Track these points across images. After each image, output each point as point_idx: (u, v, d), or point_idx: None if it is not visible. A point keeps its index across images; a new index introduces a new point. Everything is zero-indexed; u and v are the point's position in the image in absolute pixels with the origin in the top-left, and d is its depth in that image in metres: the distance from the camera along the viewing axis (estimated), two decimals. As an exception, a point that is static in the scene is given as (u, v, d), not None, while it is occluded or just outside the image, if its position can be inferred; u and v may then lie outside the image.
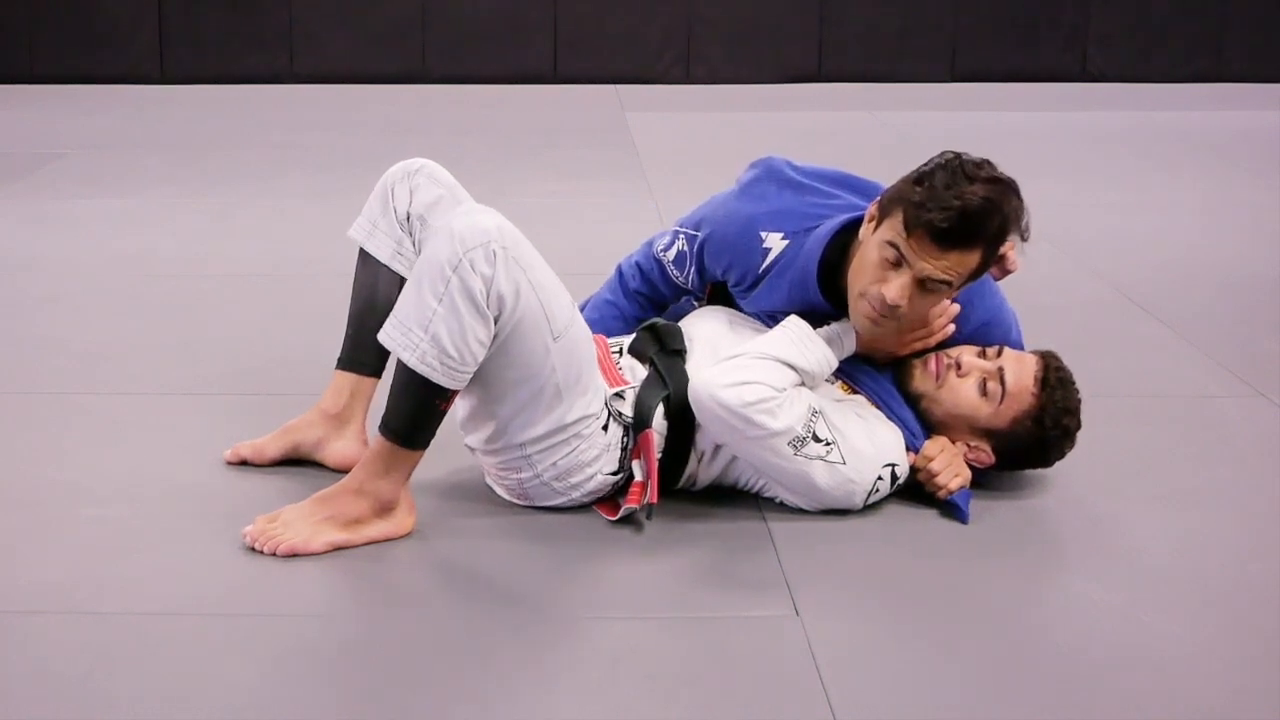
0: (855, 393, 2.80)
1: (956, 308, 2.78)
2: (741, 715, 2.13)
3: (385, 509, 2.64)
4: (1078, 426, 2.79)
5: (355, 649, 2.32)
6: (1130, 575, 2.58)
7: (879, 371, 2.82)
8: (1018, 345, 2.87)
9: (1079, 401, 2.78)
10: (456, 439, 2.79)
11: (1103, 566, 2.62)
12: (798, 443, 2.63)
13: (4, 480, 2.92)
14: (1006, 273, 2.83)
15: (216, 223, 5.17)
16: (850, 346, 2.77)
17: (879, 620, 2.41)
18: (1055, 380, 2.75)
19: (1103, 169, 6.33)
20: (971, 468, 2.79)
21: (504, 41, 8.54)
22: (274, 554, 2.56)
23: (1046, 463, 2.84)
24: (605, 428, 2.69)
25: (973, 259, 2.59)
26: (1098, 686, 2.21)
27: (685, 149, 6.72)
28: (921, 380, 2.79)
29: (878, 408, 2.77)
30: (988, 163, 2.62)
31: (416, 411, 2.57)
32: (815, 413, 2.65)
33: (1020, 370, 2.76)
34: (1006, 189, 2.59)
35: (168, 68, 8.45)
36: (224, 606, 2.43)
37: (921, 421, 2.79)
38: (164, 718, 2.11)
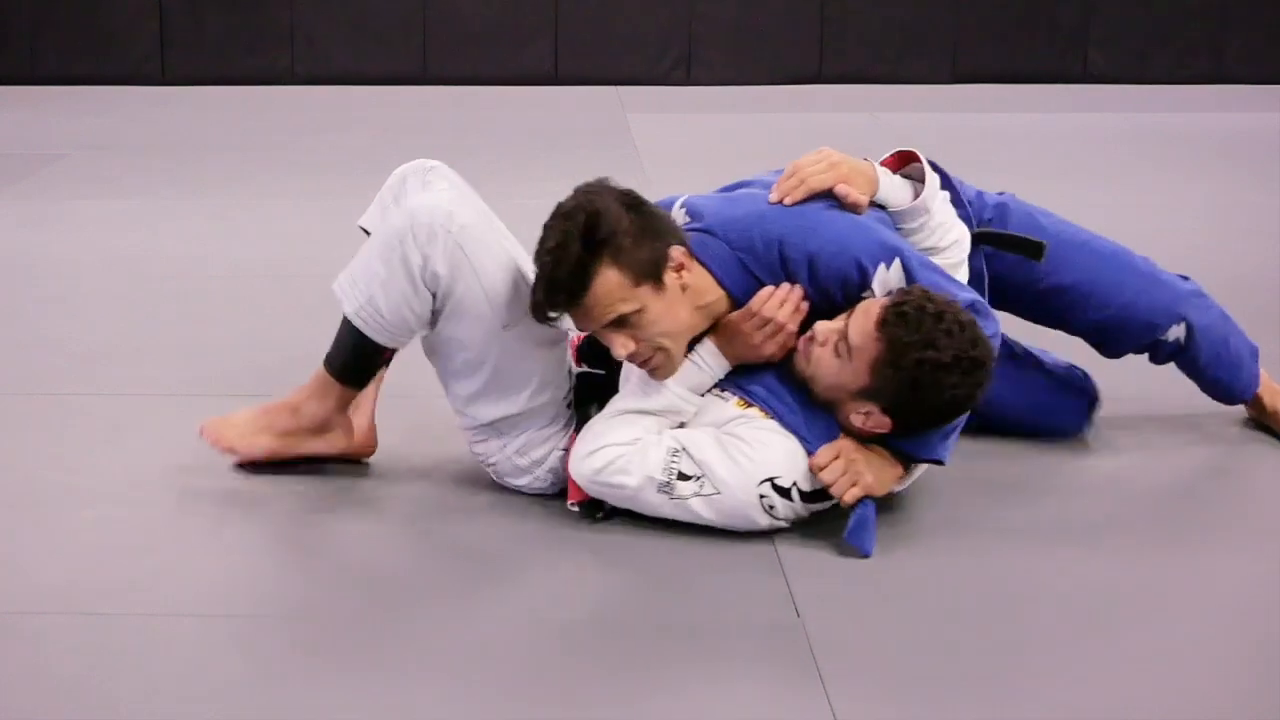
0: (750, 405, 2.67)
1: (781, 288, 2.65)
2: (742, 715, 2.13)
3: (319, 428, 2.87)
4: (953, 359, 2.50)
5: (355, 649, 2.32)
6: (1130, 575, 2.58)
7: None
8: (877, 252, 2.66)
9: (941, 332, 2.50)
10: (464, 446, 2.79)
11: (1102, 567, 2.62)
12: (666, 488, 2.60)
13: (4, 480, 2.92)
14: (855, 206, 2.71)
15: (217, 223, 5.17)
16: (717, 365, 2.69)
17: (879, 620, 2.41)
18: (893, 318, 2.52)
19: (1103, 169, 6.33)
20: (898, 450, 2.64)
21: (505, 43, 8.54)
22: (215, 448, 2.86)
23: (947, 407, 2.57)
24: (570, 404, 2.74)
25: (608, 281, 2.53)
26: (1099, 686, 2.21)
27: (686, 151, 6.72)
28: (800, 367, 2.66)
29: (772, 418, 2.65)
30: (562, 212, 2.55)
31: (352, 357, 2.78)
32: (676, 452, 2.60)
33: (863, 319, 2.57)
34: (569, 223, 2.52)
35: (169, 69, 8.45)
36: (224, 606, 2.43)
37: (823, 409, 2.65)
38: (164, 718, 2.11)
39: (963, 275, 2.84)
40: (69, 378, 3.53)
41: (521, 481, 2.79)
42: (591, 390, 2.77)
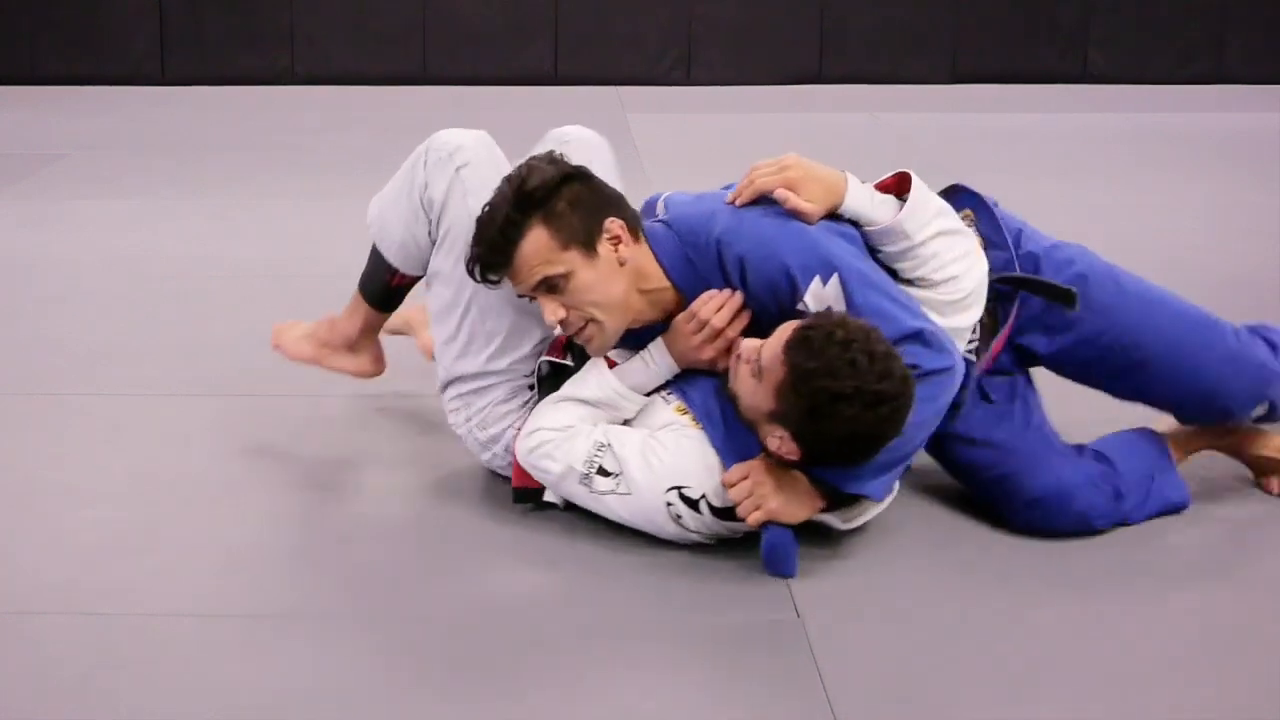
0: (686, 413, 2.63)
1: (722, 293, 2.60)
2: (742, 715, 2.13)
3: (348, 345, 3.08)
4: (853, 390, 2.36)
5: (354, 648, 2.32)
6: (1130, 575, 2.58)
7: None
8: (811, 263, 2.54)
9: (844, 362, 2.36)
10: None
11: (1102, 566, 2.61)
12: (586, 480, 2.59)
13: (4, 480, 2.92)
14: (797, 212, 2.59)
15: (217, 223, 5.17)
16: (664, 364, 2.67)
17: (879, 620, 2.41)
18: (797, 342, 2.41)
19: (1103, 169, 6.33)
20: (821, 481, 2.52)
21: (504, 43, 8.54)
22: (271, 344, 3.17)
23: (850, 440, 2.42)
24: (532, 386, 2.75)
25: (536, 240, 2.55)
26: (1100, 688, 2.21)
27: (686, 151, 6.72)
28: (730, 383, 2.58)
29: (700, 428, 2.60)
30: (505, 176, 2.61)
31: (373, 273, 2.91)
32: (602, 446, 2.59)
33: (775, 341, 2.47)
34: (506, 184, 2.59)
35: (168, 69, 8.45)
36: (224, 606, 2.43)
37: (748, 428, 2.57)
38: (164, 718, 2.11)
39: (964, 317, 2.65)
40: (69, 378, 3.53)
41: (485, 457, 2.83)
42: (560, 380, 2.76)
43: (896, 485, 2.61)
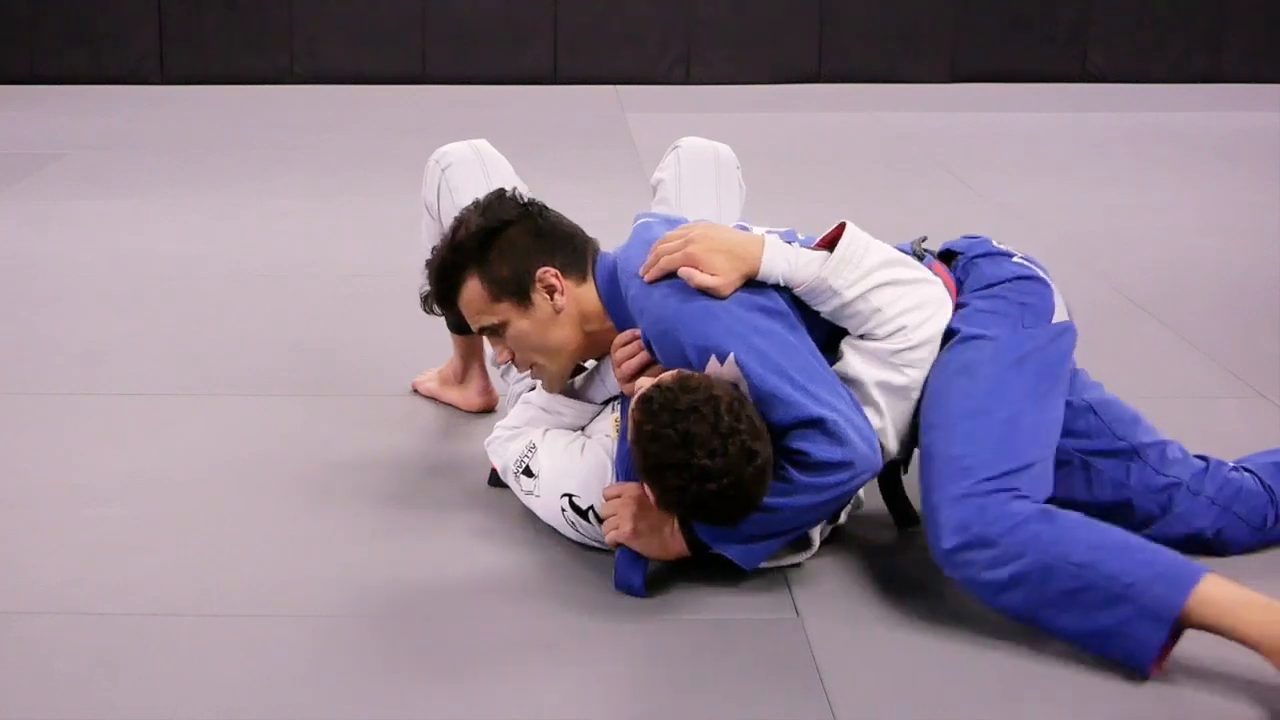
0: (618, 428, 2.63)
1: (623, 335, 2.58)
2: (742, 715, 2.14)
3: (457, 378, 3.28)
4: (678, 461, 2.27)
5: (355, 649, 2.32)
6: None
7: None
8: (704, 345, 2.42)
9: (673, 430, 2.28)
10: (462, 445, 2.79)
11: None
12: (514, 477, 2.65)
13: (4, 480, 2.92)
14: (703, 289, 2.45)
15: (216, 223, 5.17)
16: (610, 379, 2.65)
17: (879, 620, 2.41)
18: (642, 401, 2.34)
19: (1103, 169, 6.33)
20: (689, 529, 2.45)
21: (504, 42, 8.55)
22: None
23: (681, 507, 2.36)
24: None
25: (470, 292, 2.59)
26: (1098, 686, 2.21)
27: (685, 150, 6.71)
28: None
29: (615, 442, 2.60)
30: (454, 222, 2.64)
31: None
32: (532, 449, 2.64)
33: (639, 390, 2.43)
34: (450, 231, 2.62)
35: (168, 69, 8.45)
36: (224, 606, 2.43)
37: None
38: (164, 718, 2.11)
39: (917, 372, 2.48)
40: (69, 378, 3.53)
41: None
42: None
43: (817, 540, 2.54)
